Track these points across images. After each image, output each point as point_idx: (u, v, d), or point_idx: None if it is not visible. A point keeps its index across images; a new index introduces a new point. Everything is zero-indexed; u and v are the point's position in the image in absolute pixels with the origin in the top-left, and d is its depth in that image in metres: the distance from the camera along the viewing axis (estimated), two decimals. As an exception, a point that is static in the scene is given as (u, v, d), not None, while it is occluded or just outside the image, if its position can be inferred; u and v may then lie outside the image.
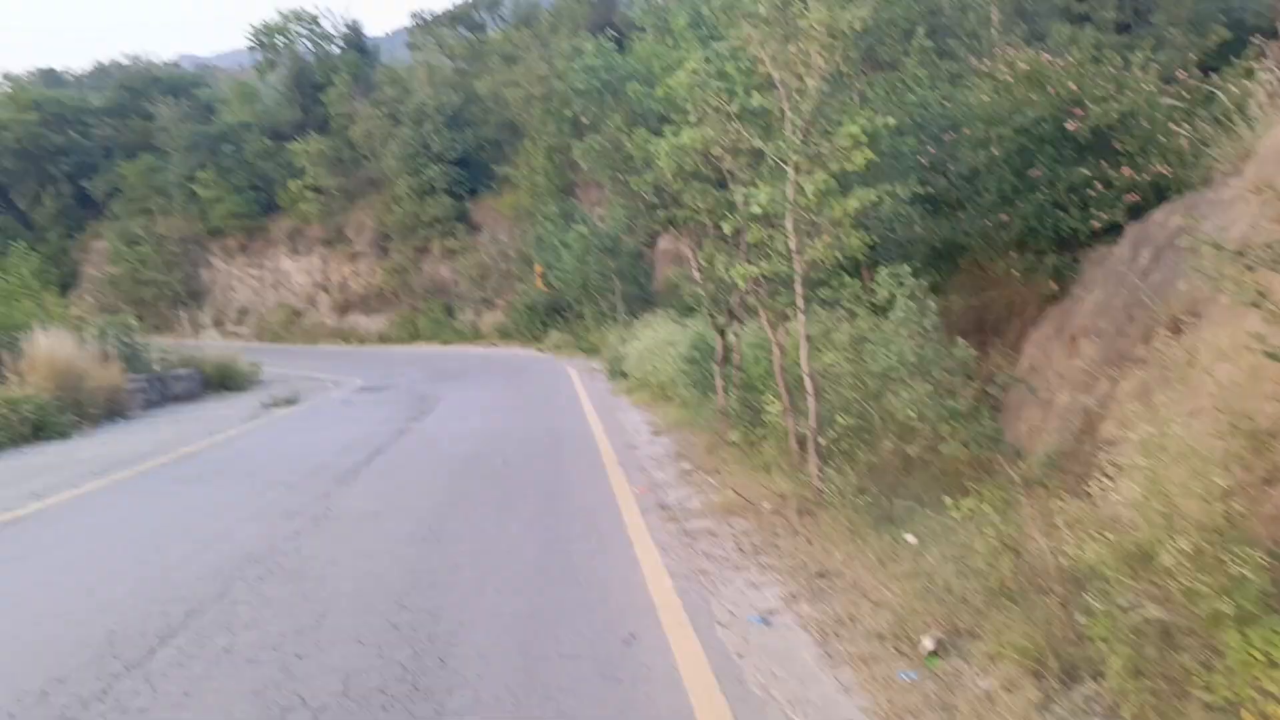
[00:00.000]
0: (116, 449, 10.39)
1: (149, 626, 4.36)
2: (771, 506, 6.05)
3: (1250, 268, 3.52)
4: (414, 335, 31.48)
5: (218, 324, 34.22)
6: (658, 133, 7.12)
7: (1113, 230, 7.02)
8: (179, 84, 41.88)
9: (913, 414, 3.90)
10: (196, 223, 36.74)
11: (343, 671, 3.72)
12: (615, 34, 13.16)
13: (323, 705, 3.43)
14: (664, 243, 24.55)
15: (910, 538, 5.00)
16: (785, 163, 5.53)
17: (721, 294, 8.64)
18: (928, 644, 3.62)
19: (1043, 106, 7.24)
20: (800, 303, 5.68)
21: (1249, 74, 6.24)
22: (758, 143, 5.68)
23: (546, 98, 25.62)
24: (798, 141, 5.41)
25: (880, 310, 7.38)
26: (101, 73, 49.14)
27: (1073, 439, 6.11)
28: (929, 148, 8.05)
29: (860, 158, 5.04)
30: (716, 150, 6.09)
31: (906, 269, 4.12)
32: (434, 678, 3.64)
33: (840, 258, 5.63)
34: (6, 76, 44.64)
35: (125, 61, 48.95)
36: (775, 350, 6.68)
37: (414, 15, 39.19)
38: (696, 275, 9.24)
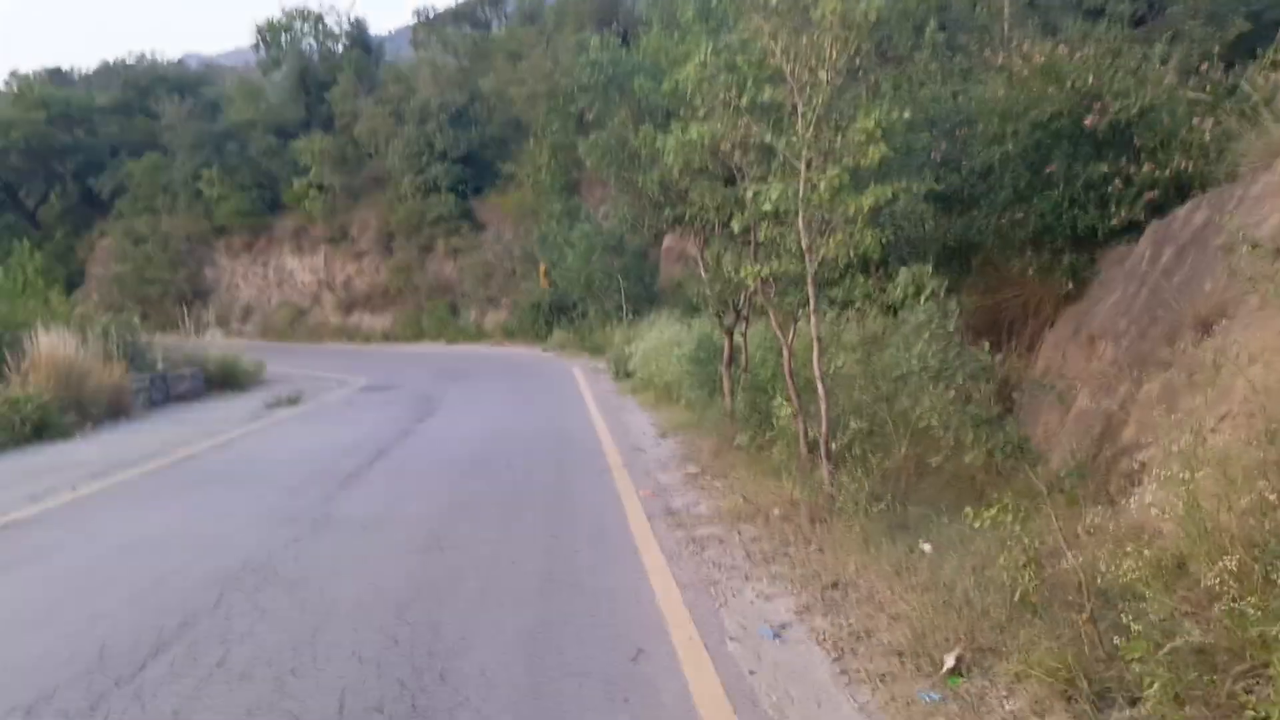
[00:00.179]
0: (117, 450, 10.27)
1: (141, 639, 4.23)
2: (781, 513, 5.90)
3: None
4: (418, 334, 31.37)
5: (222, 323, 34.11)
6: (664, 128, 6.96)
7: (1132, 228, 6.82)
8: (184, 82, 41.87)
9: (935, 421, 3.72)
10: (201, 221, 36.70)
11: (339, 689, 3.58)
12: (620, 31, 13.02)
13: (317, 726, 3.29)
14: (669, 241, 24.33)
15: (926, 546, 4.84)
16: (797, 158, 5.36)
17: (729, 294, 8.47)
18: (949, 662, 3.46)
19: (1060, 101, 7.04)
20: (812, 303, 5.51)
21: (1277, 65, 6.04)
22: (768, 138, 5.51)
23: (551, 95, 25.44)
24: (810, 136, 5.24)
25: (891, 311, 7.22)
26: (107, 71, 49.08)
27: (1092, 443, 5.93)
28: (941, 144, 7.87)
29: (875, 153, 4.87)
30: (725, 146, 5.92)
31: (928, 268, 3.94)
32: (434, 697, 3.49)
33: (853, 256, 5.47)
34: (13, 75, 44.73)
35: (131, 60, 48.93)
36: (785, 352, 6.51)
37: (417, 13, 39.14)
38: (703, 274, 9.08)
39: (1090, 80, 6.84)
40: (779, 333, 6.62)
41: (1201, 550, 2.94)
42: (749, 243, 7.20)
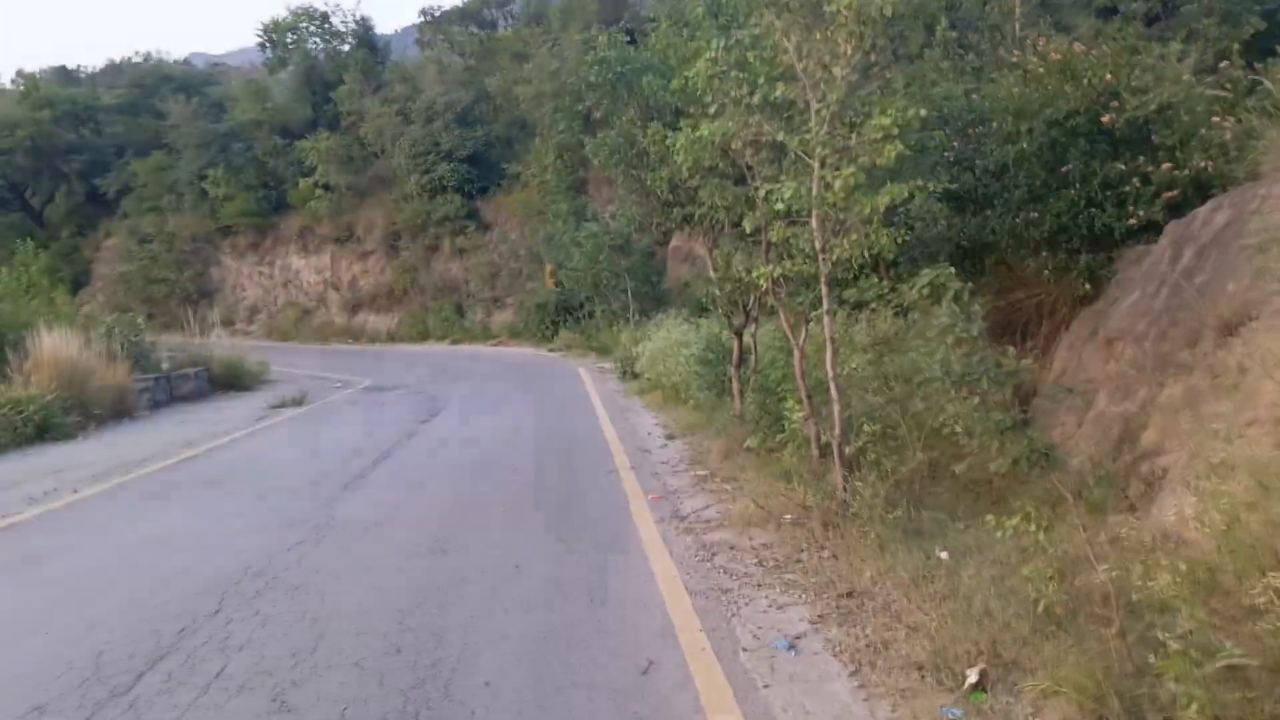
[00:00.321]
0: (120, 451, 10.20)
1: (138, 647, 4.13)
2: (793, 518, 5.77)
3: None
4: (424, 334, 31.28)
5: (227, 323, 34.09)
6: (673, 127, 6.84)
7: (1150, 228, 6.69)
8: (190, 82, 41.91)
9: (960, 428, 3.60)
10: (207, 221, 36.67)
11: (340, 701, 3.47)
12: (627, 29, 12.91)
13: (317, 741, 3.19)
14: (676, 241, 24.21)
15: (943, 554, 4.72)
16: (810, 157, 5.24)
17: (738, 294, 8.35)
18: (972, 677, 3.34)
19: (1076, 98, 6.91)
20: (826, 304, 5.39)
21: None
22: (781, 136, 5.39)
23: (557, 94, 25.34)
24: (824, 134, 5.12)
25: (903, 312, 7.09)
26: (114, 71, 49.18)
27: (1111, 448, 5.79)
28: (954, 142, 7.75)
29: (891, 150, 4.74)
30: (736, 144, 5.80)
31: (950, 270, 3.82)
32: (437, 710, 3.38)
33: (867, 257, 5.34)
34: (20, 74, 44.78)
35: (137, 60, 49.03)
36: (796, 353, 6.39)
37: (423, 12, 38.96)
38: (712, 275, 8.96)
39: (1107, 77, 6.71)
40: (790, 334, 6.49)
41: (1239, 564, 2.82)
42: (760, 243, 7.08)
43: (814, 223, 5.27)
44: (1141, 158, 6.67)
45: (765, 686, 3.53)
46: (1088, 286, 6.97)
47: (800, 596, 4.52)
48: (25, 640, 4.32)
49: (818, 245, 5.27)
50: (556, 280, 24.67)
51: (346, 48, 37.60)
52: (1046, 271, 7.19)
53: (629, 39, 9.74)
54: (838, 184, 4.85)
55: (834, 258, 5.17)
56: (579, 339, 23.60)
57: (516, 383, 17.01)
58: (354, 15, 52.71)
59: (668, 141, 6.51)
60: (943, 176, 6.42)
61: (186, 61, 53.82)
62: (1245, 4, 10.60)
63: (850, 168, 4.85)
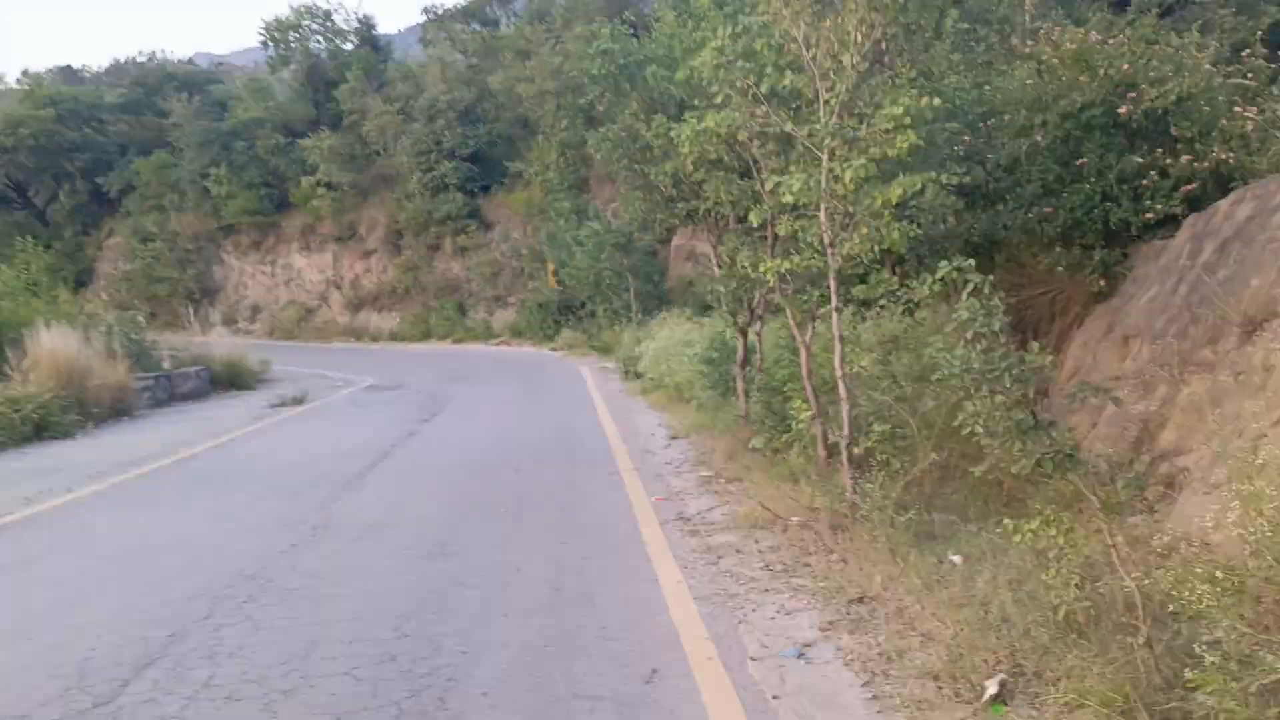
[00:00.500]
0: (117, 451, 10.08)
1: (125, 654, 4.00)
2: (800, 520, 5.62)
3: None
4: (426, 333, 31.13)
5: (230, 321, 34.00)
6: (677, 119, 6.68)
7: (1168, 223, 6.52)
8: (193, 80, 41.77)
9: (980, 428, 3.44)
10: (209, 220, 36.56)
11: (331, 713, 3.33)
12: (630, 24, 12.75)
13: (306, 755, 3.04)
14: (678, 240, 24.08)
15: (956, 558, 4.56)
16: (819, 148, 5.08)
17: (743, 291, 8.18)
18: (992, 688, 3.18)
19: (1092, 90, 6.73)
20: (835, 300, 5.23)
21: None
22: (788, 127, 5.24)
23: (560, 92, 25.19)
24: (833, 124, 4.96)
25: (910, 310, 6.93)
26: (118, 70, 49.10)
27: (1128, 448, 5.64)
28: (964, 136, 7.58)
29: (904, 141, 4.59)
30: (743, 136, 5.65)
31: (970, 261, 3.66)
32: (432, 722, 3.24)
33: (877, 252, 5.19)
34: (25, 74, 44.78)
35: (142, 59, 48.97)
36: (803, 351, 6.23)
37: (426, 10, 38.82)
38: (716, 271, 8.80)
39: (1125, 67, 6.54)
40: (796, 332, 6.34)
41: (1273, 570, 2.66)
42: (765, 238, 6.93)
43: (822, 216, 5.11)
44: (1159, 150, 6.50)
45: (775, 698, 3.38)
46: (1102, 283, 6.80)
47: (809, 602, 4.37)
48: (10, 645, 4.19)
49: (826, 239, 5.11)
50: (558, 279, 24.52)
51: (349, 46, 37.45)
52: (1060, 268, 7.02)
53: (632, 32, 9.58)
54: (848, 175, 4.69)
55: (844, 252, 5.01)
56: (581, 338, 23.44)
57: (518, 382, 16.87)
58: (356, 13, 52.50)
59: (672, 134, 6.35)
60: (953, 170, 6.25)
61: (190, 61, 53.73)
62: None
63: (861, 159, 4.69)
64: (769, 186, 5.34)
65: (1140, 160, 6.51)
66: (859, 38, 4.90)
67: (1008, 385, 3.24)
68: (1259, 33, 7.47)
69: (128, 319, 16.57)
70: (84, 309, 18.06)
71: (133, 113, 39.69)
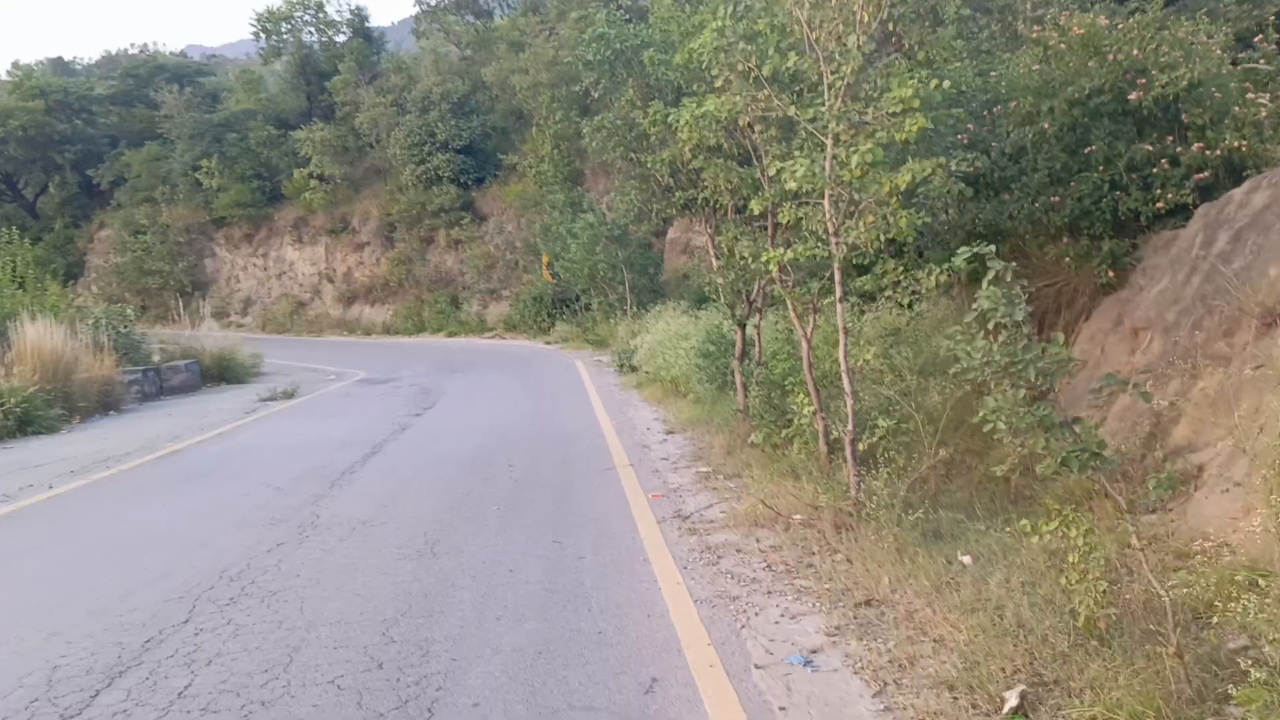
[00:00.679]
0: (102, 445, 9.87)
1: (98, 661, 3.81)
2: (803, 518, 5.45)
3: None
4: (419, 326, 30.88)
5: (221, 315, 33.70)
6: (675, 106, 6.48)
7: (1179, 212, 6.35)
8: (184, 72, 41.32)
9: (1002, 424, 3.27)
10: (201, 212, 36.20)
11: (312, 726, 3.15)
12: (626, 13, 12.55)
13: (284, 772, 2.86)
14: (673, 233, 23.88)
15: (965, 559, 4.40)
16: (823, 133, 4.89)
17: (742, 283, 8.00)
18: (1011, 699, 3.01)
19: (1100, 76, 6.55)
20: (839, 290, 5.05)
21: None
22: (791, 111, 5.04)
23: (554, 84, 24.91)
24: (838, 108, 4.77)
25: (911, 304, 6.76)
26: (110, 62, 48.59)
27: (1139, 443, 5.47)
28: (968, 124, 7.39)
29: (913, 125, 4.40)
30: (743, 120, 5.45)
31: (991, 247, 3.49)
32: (419, 736, 3.06)
33: (883, 240, 5.01)
34: (15, 65, 44.18)
35: (133, 51, 48.44)
36: (804, 344, 6.06)
37: (419, 2, 38.41)
38: (714, 263, 8.61)
39: (1134, 53, 6.35)
40: (797, 324, 6.16)
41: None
42: (765, 227, 6.74)
43: (827, 204, 4.93)
44: (1170, 138, 6.32)
45: (781, 709, 3.21)
46: (1111, 274, 6.63)
47: (814, 605, 4.20)
48: (-23, 652, 4.00)
49: (830, 228, 4.93)
50: (553, 272, 24.29)
51: (341, 37, 37.07)
52: (1067, 259, 6.85)
53: (628, 19, 9.37)
54: (854, 160, 4.50)
55: (849, 241, 4.83)
56: (576, 331, 23.24)
57: (512, 376, 16.67)
58: (348, 4, 51.86)
59: (670, 119, 6.15)
60: (962, 157, 6.07)
61: (183, 54, 53.23)
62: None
63: (868, 143, 4.50)
64: (771, 172, 5.14)
65: (1150, 148, 6.33)
66: (865, 17, 4.71)
67: (1032, 379, 3.07)
68: (1272, 17, 7.28)
69: (116, 312, 16.32)
70: (73, 302, 17.80)
71: (124, 104, 39.26)
